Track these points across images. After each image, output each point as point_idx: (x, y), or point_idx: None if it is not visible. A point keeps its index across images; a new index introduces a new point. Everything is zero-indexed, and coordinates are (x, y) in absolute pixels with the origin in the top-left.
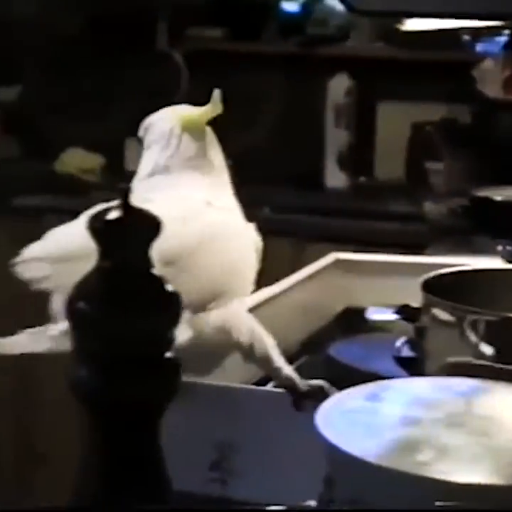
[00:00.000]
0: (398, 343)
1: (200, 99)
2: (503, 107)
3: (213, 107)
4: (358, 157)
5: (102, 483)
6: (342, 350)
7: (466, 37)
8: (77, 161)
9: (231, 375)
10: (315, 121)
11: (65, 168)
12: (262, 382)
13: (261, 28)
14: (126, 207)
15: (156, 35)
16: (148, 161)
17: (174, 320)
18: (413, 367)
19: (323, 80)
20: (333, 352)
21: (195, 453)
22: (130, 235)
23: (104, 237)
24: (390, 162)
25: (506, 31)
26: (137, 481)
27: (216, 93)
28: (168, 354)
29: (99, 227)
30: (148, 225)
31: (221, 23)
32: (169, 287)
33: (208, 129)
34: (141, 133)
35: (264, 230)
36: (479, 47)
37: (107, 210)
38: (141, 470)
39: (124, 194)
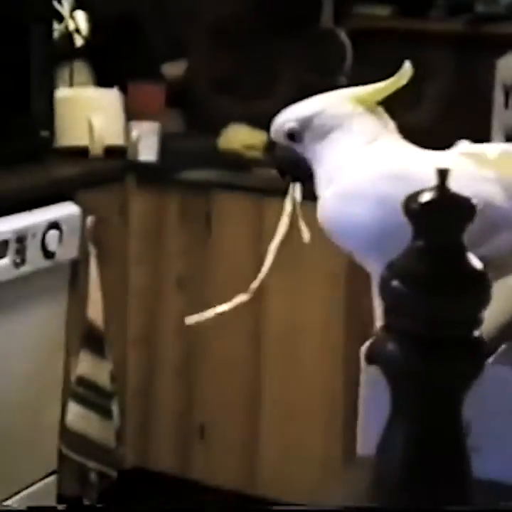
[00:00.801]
0: None
1: (364, 77)
2: None
3: (399, 79)
4: None
5: (408, 466)
6: None
7: None
8: (241, 137)
9: None
10: (483, 101)
11: (228, 143)
12: None
13: (429, 5)
14: (443, 189)
15: (321, 12)
16: (345, 144)
17: (484, 301)
18: None
19: (491, 59)
20: None
21: None
22: (445, 218)
23: (420, 219)
24: None
25: None
26: (446, 465)
27: (407, 65)
28: (476, 334)
29: (415, 209)
30: (463, 208)
31: (388, 0)
32: (481, 268)
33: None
34: (292, 125)
35: None
36: None
37: (423, 192)
38: (448, 452)
39: (442, 176)
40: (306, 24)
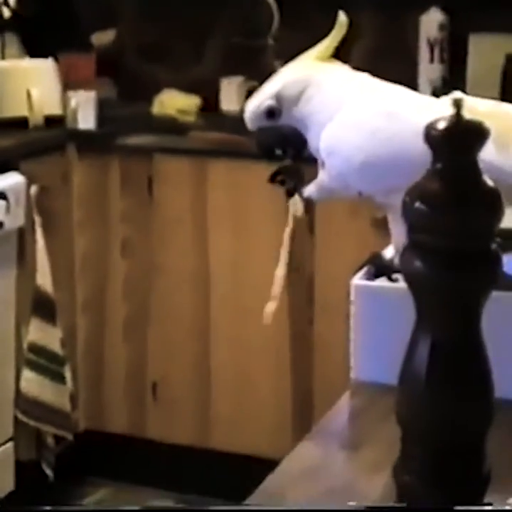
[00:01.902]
0: None
1: (292, 39)
2: None
3: (340, 28)
4: (452, 90)
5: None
6: None
7: None
8: (174, 102)
9: None
10: (408, 55)
11: (162, 109)
12: None
13: None
14: (459, 117)
15: None
16: (327, 91)
17: (498, 215)
18: None
19: (415, 14)
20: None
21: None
22: (461, 141)
23: (438, 143)
24: (483, 93)
25: None
26: (469, 371)
27: (341, 15)
28: (493, 245)
29: (434, 134)
30: (477, 132)
31: None
32: (494, 188)
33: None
34: (269, 103)
35: None
36: None
37: (441, 120)
38: (471, 358)
39: (457, 106)
40: None
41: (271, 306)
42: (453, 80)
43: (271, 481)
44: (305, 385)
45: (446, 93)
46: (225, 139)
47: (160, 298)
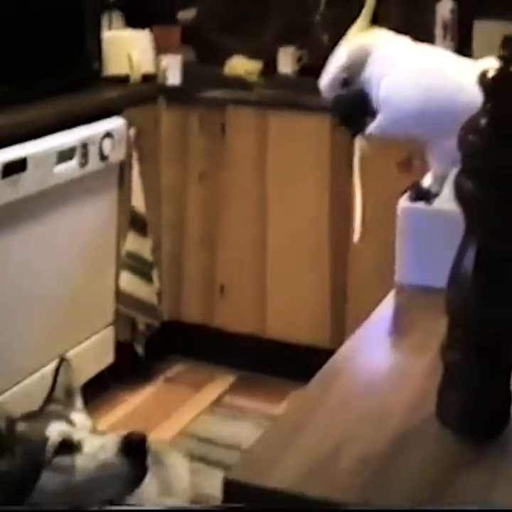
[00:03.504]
0: None
1: (334, 17)
2: None
3: (369, 5)
4: None
5: None
6: None
7: None
8: (242, 65)
9: None
10: (427, 34)
11: (232, 70)
12: None
13: None
14: (505, 68)
15: None
16: (384, 55)
17: None
18: None
19: (432, 2)
20: None
21: None
22: (505, 87)
23: (488, 87)
24: None
25: None
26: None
27: None
28: None
29: (485, 80)
30: None
31: None
32: None
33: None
34: (342, 75)
35: None
36: None
37: (492, 69)
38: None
39: (505, 60)
40: None
41: (358, 228)
42: (462, 54)
43: (332, 361)
44: (340, 287)
45: None
46: (280, 94)
47: (228, 218)
